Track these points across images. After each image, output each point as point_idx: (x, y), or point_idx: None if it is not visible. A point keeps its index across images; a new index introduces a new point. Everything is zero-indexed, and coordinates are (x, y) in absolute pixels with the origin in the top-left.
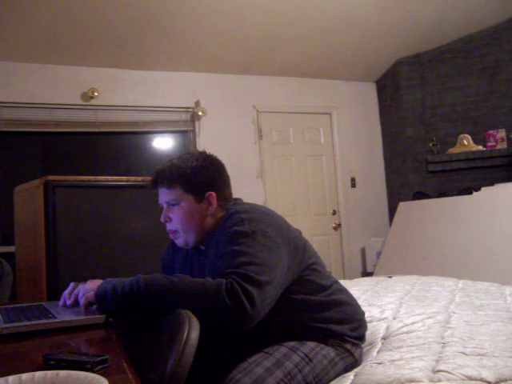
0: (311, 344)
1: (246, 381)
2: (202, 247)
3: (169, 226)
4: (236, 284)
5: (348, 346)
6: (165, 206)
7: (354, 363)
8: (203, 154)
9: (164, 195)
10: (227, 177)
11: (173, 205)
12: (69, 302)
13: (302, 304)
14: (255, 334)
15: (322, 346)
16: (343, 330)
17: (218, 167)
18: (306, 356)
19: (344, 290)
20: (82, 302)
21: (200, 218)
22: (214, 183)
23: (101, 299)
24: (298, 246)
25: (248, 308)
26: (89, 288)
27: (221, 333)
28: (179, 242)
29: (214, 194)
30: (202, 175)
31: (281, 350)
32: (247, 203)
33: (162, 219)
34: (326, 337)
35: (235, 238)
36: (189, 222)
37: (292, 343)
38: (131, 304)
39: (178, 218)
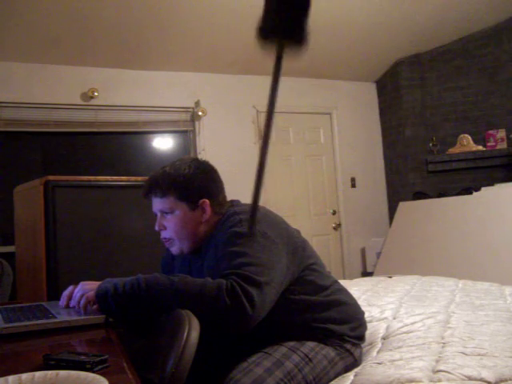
0: (311, 344)
1: (245, 381)
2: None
3: (163, 234)
4: (236, 285)
5: (348, 346)
6: (158, 214)
7: (353, 363)
8: (195, 160)
9: (157, 204)
10: (220, 182)
11: (167, 213)
12: (71, 304)
13: (301, 304)
14: (255, 334)
15: (321, 345)
16: (343, 329)
17: (211, 173)
18: (306, 356)
19: (344, 290)
20: (82, 301)
21: (194, 225)
22: (207, 190)
23: (102, 298)
24: (297, 247)
25: (248, 309)
26: (89, 288)
27: (221, 333)
28: (174, 249)
29: (207, 201)
30: (194, 183)
31: (281, 350)
32: (245, 204)
33: (156, 228)
34: (325, 337)
35: (234, 238)
36: (183, 230)
37: (292, 343)
38: (132, 303)
39: (172, 226)
